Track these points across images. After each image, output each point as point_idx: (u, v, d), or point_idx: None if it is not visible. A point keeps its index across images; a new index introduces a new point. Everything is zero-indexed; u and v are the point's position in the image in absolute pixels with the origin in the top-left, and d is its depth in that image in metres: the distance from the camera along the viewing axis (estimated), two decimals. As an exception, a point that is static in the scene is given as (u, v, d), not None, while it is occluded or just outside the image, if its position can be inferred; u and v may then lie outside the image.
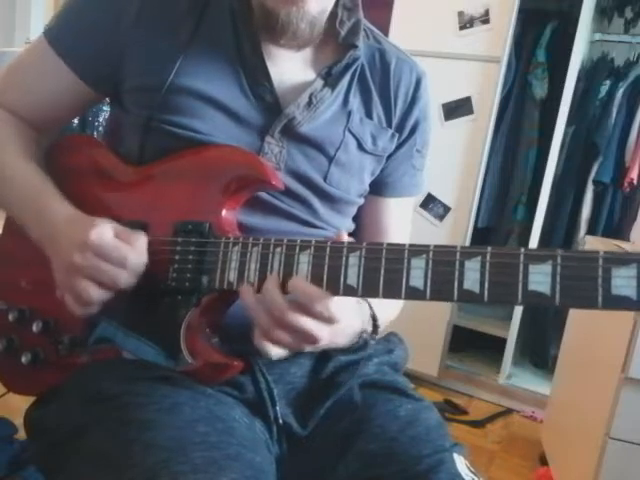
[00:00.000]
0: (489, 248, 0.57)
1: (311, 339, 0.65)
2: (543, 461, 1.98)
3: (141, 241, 0.71)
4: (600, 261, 0.52)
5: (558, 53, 2.50)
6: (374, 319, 0.77)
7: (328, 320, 0.65)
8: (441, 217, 2.43)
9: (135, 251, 0.70)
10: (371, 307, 0.77)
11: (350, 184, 0.85)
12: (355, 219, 0.91)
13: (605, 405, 1.54)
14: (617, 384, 1.51)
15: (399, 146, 0.88)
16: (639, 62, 2.53)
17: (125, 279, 0.69)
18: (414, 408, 0.79)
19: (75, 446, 0.68)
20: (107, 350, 0.76)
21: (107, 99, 0.89)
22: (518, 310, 2.47)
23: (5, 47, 2.92)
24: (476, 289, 0.57)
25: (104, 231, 0.69)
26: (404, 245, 0.61)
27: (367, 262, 0.62)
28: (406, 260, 0.60)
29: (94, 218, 0.71)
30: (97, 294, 0.69)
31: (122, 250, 0.69)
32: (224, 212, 0.74)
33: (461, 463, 0.72)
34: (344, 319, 0.67)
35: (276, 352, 0.66)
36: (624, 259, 0.52)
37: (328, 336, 0.66)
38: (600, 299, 0.52)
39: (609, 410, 1.52)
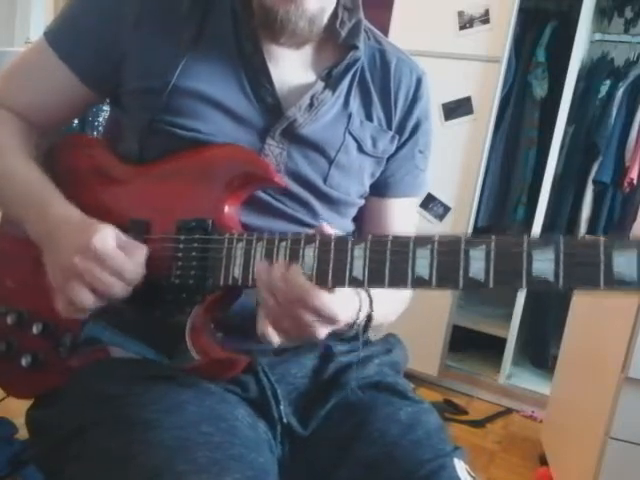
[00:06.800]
0: (493, 236, 0.57)
1: (309, 333, 0.65)
2: (543, 461, 1.98)
3: (140, 253, 0.71)
4: (602, 245, 0.53)
5: (558, 53, 2.49)
6: (369, 318, 0.75)
7: (328, 320, 0.64)
8: (441, 217, 2.43)
9: (133, 263, 0.70)
10: (371, 304, 0.75)
11: (350, 186, 0.85)
12: (359, 220, 0.92)
13: (605, 405, 1.54)
14: (617, 384, 1.51)
15: (400, 147, 0.88)
16: (639, 62, 2.53)
17: (120, 290, 0.69)
18: (414, 411, 0.79)
19: (77, 446, 0.68)
20: (95, 351, 0.76)
21: (107, 99, 0.89)
22: (518, 310, 2.47)
23: (5, 47, 2.91)
24: (481, 276, 0.57)
25: (107, 237, 0.69)
26: (409, 236, 0.61)
27: (372, 254, 0.62)
28: (411, 250, 0.60)
29: (97, 222, 0.71)
30: (90, 301, 0.69)
31: (120, 260, 0.69)
32: (226, 208, 0.74)
33: (461, 468, 0.72)
34: (343, 317, 0.66)
35: (277, 340, 0.66)
36: (625, 243, 0.52)
37: (326, 333, 0.66)
38: (602, 281, 0.52)
39: (609, 410, 1.52)
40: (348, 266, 0.63)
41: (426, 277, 0.59)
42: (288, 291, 0.63)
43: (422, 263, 0.60)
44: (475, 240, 0.58)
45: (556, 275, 0.54)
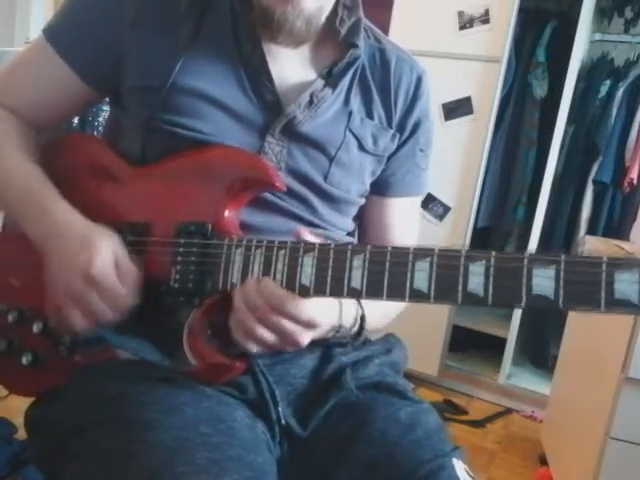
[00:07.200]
0: (493, 252, 0.57)
1: (292, 341, 0.66)
2: (543, 461, 1.98)
3: (134, 280, 0.72)
4: (603, 266, 0.52)
5: (558, 53, 2.49)
6: (362, 319, 0.77)
7: (306, 324, 0.65)
8: (441, 217, 2.43)
9: (127, 291, 0.71)
10: (361, 307, 0.77)
11: (350, 184, 0.85)
12: (360, 219, 0.91)
13: (605, 405, 1.54)
14: (617, 384, 1.51)
15: (401, 145, 0.88)
16: (639, 62, 2.53)
17: (112, 317, 0.71)
18: (414, 411, 0.78)
19: (76, 445, 0.68)
20: (101, 351, 0.76)
21: (107, 99, 0.89)
22: (518, 310, 2.47)
23: (5, 47, 2.91)
24: (480, 292, 0.57)
25: (105, 261, 0.70)
26: (408, 248, 0.61)
27: (371, 265, 0.62)
28: (410, 263, 0.60)
29: (98, 235, 0.72)
30: (81, 325, 0.71)
31: (117, 291, 0.70)
32: (227, 213, 0.74)
33: (460, 468, 0.72)
34: (322, 320, 0.68)
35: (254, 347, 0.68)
36: (627, 264, 0.52)
37: (309, 338, 0.67)
38: (603, 303, 0.52)
39: (609, 410, 1.52)
40: (347, 276, 0.63)
41: (425, 290, 0.59)
42: (264, 302, 0.64)
43: (421, 276, 0.60)
44: (475, 255, 0.58)
45: (556, 294, 0.54)
